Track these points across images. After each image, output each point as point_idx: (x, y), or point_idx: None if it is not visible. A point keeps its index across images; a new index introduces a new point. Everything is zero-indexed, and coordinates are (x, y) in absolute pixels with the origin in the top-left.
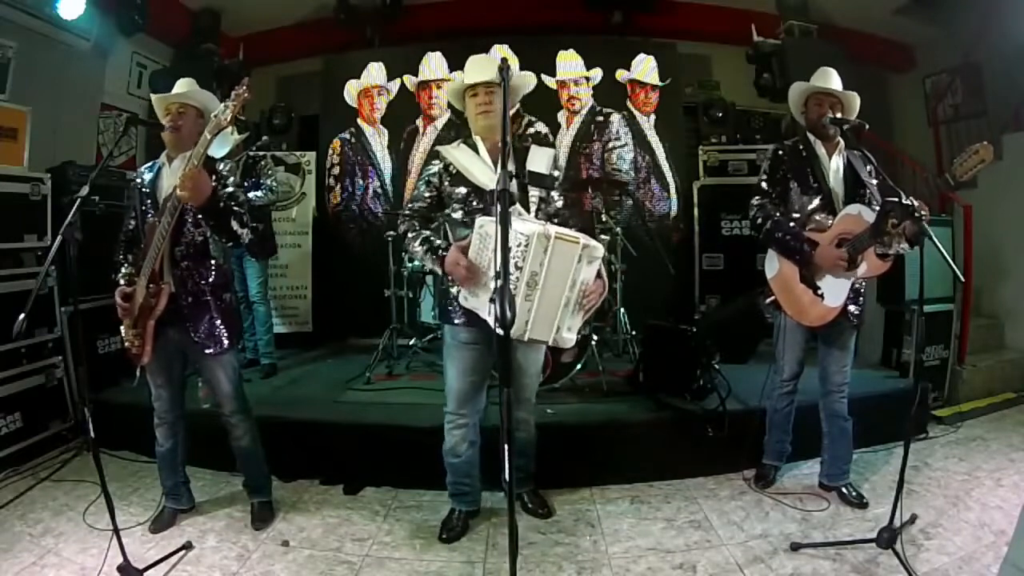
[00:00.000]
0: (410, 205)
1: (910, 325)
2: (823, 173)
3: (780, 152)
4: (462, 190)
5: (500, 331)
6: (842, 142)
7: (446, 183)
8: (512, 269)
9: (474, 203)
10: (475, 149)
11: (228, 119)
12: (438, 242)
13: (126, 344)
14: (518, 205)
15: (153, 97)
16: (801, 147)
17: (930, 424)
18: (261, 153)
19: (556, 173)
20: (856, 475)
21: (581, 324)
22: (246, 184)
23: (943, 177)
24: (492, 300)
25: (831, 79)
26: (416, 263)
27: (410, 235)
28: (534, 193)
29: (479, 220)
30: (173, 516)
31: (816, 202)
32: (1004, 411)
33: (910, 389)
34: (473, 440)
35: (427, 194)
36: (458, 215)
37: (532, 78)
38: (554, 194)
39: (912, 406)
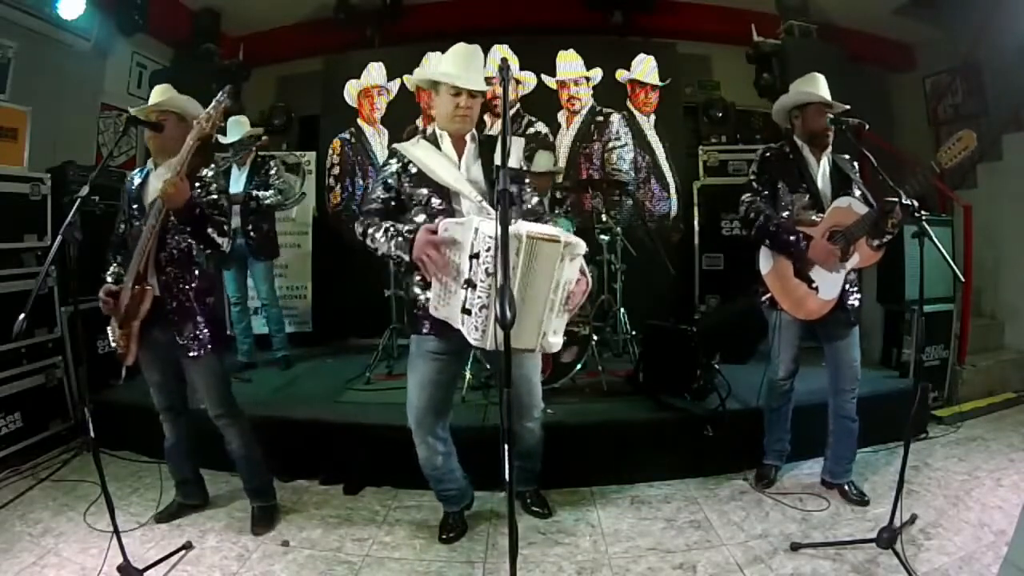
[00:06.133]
0: (364, 208)
1: (910, 325)
2: (811, 175)
3: (768, 154)
4: (423, 191)
5: (476, 343)
6: (828, 146)
7: (406, 184)
8: (483, 276)
9: (436, 205)
10: (436, 144)
11: (209, 129)
12: (403, 227)
13: (113, 344)
14: (484, 203)
15: (131, 110)
16: (788, 150)
17: (930, 424)
18: (270, 155)
19: (525, 167)
20: (856, 475)
21: (565, 324)
22: (254, 182)
23: (928, 165)
24: (466, 311)
25: (825, 87)
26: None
27: (370, 229)
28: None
29: (443, 224)
30: (180, 510)
31: (805, 200)
32: (1004, 411)
33: (910, 389)
34: (445, 452)
35: (383, 195)
36: (420, 219)
37: None
38: (527, 190)
39: (912, 406)
